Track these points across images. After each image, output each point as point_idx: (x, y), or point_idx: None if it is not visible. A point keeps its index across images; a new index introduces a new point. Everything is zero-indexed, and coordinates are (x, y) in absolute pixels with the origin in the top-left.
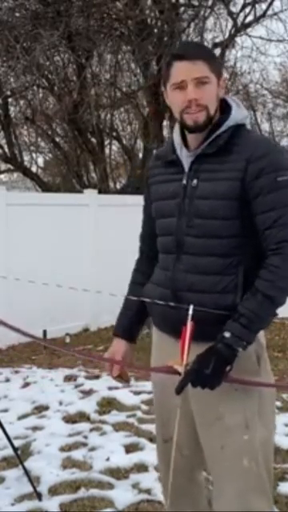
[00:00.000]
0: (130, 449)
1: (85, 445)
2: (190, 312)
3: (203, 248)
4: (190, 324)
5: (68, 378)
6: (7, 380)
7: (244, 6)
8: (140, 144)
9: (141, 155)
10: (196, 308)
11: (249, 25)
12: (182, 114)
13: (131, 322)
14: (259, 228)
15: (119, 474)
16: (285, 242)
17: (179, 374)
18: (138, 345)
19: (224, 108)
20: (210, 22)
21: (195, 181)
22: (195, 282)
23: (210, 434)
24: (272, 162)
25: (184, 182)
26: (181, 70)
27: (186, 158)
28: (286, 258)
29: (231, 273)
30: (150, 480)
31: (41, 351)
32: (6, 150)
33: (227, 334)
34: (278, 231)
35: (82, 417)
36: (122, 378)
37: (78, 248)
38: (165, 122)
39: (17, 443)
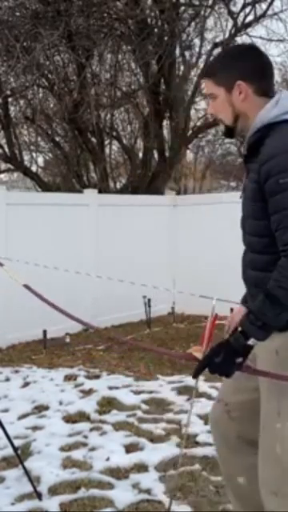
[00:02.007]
0: (129, 449)
1: (85, 445)
2: (214, 303)
3: (249, 245)
4: (212, 315)
5: (68, 378)
6: (7, 380)
7: (244, 6)
8: (140, 144)
9: (141, 155)
10: (219, 299)
11: (249, 24)
12: None
13: None
14: (272, 230)
15: (119, 473)
16: (287, 244)
17: (198, 360)
18: (138, 345)
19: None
20: (210, 22)
21: (245, 181)
22: (248, 277)
23: (261, 412)
24: (277, 163)
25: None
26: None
27: None
28: None
29: (269, 270)
30: (149, 480)
31: (41, 351)
32: (6, 149)
33: (239, 329)
34: (282, 234)
35: (81, 417)
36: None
37: (77, 248)
38: (165, 122)
39: (17, 443)
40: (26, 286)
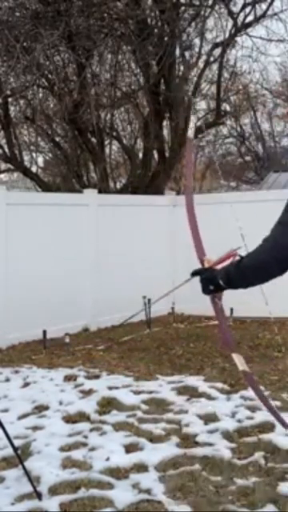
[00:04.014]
0: (129, 449)
1: (85, 445)
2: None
3: None
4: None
5: (68, 378)
6: (7, 380)
7: (244, 6)
8: (140, 144)
9: (141, 155)
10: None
11: (249, 25)
12: None
13: None
14: None
15: (119, 473)
16: None
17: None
18: (138, 345)
19: None
20: (210, 22)
21: None
22: None
23: None
24: None
25: None
26: None
27: None
28: None
29: None
30: (149, 480)
31: (41, 351)
32: (6, 149)
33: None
34: None
35: (81, 417)
36: None
37: (77, 247)
38: (165, 122)
39: (17, 443)
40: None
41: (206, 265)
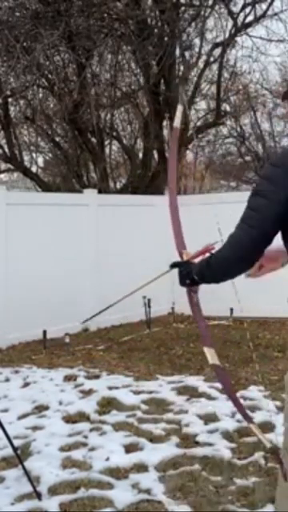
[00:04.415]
0: (129, 449)
1: (85, 445)
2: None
3: None
4: (210, 245)
5: (68, 378)
6: (7, 380)
7: (244, 6)
8: (140, 144)
9: (141, 155)
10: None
11: (249, 25)
12: None
13: None
14: None
15: (119, 473)
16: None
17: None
18: (138, 345)
19: None
20: (210, 22)
21: None
22: None
23: None
24: None
25: None
26: None
27: None
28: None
29: None
30: (149, 480)
31: (41, 351)
32: (6, 149)
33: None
34: None
35: (81, 417)
36: None
37: (77, 247)
38: (165, 122)
39: (17, 443)
40: None
41: (185, 258)
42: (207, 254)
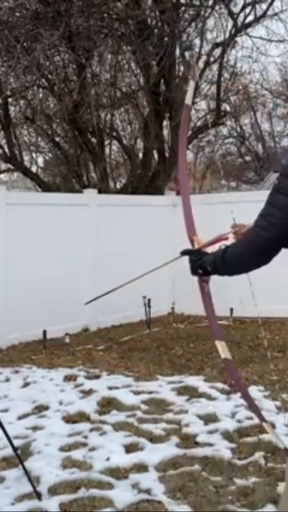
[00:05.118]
0: (129, 449)
1: (85, 445)
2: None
3: None
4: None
5: (68, 378)
6: (7, 380)
7: (244, 6)
8: (140, 144)
9: (141, 155)
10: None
11: (249, 25)
12: None
13: None
14: None
15: (119, 473)
16: None
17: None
18: (138, 345)
19: None
20: (210, 22)
21: None
22: None
23: None
24: None
25: None
26: None
27: None
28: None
29: None
30: (149, 480)
31: (41, 351)
32: (6, 149)
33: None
34: None
35: (81, 417)
36: None
37: (77, 247)
38: (165, 122)
39: (17, 443)
40: None
41: (196, 245)
42: (220, 244)
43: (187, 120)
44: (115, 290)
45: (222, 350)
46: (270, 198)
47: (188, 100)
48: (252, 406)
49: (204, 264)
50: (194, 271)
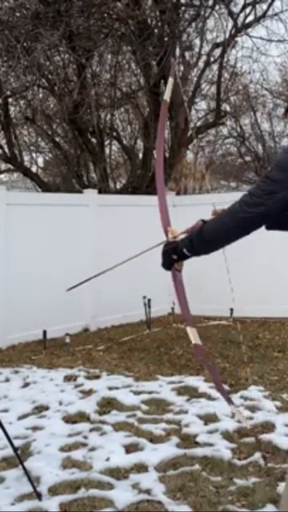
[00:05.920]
0: (129, 449)
1: (85, 445)
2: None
3: None
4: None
5: (68, 378)
6: (7, 380)
7: (244, 7)
8: (140, 144)
9: (141, 155)
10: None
11: (249, 25)
12: None
13: None
14: None
15: (119, 473)
16: None
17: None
18: (138, 345)
19: None
20: (210, 23)
21: None
22: None
23: None
24: None
25: None
26: None
27: None
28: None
29: None
30: (149, 480)
31: (41, 351)
32: (6, 150)
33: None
34: None
35: (82, 417)
36: None
37: (77, 247)
38: None
39: (17, 443)
40: None
41: (170, 236)
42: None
43: (165, 116)
44: (101, 273)
45: (193, 336)
46: (260, 183)
47: (166, 96)
48: (220, 389)
49: (179, 247)
50: (165, 261)
